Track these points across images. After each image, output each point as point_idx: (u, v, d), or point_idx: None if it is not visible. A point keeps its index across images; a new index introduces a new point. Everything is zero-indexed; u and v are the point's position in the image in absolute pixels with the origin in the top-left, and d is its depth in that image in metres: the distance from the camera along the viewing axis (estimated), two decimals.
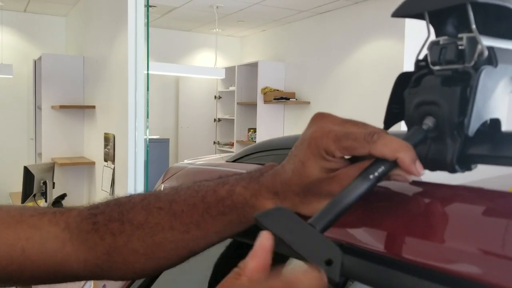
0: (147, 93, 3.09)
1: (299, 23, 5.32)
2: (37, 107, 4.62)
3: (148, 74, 3.06)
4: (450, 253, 0.35)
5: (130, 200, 0.55)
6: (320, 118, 0.43)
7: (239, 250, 0.82)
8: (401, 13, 0.43)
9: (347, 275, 0.34)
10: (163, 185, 0.91)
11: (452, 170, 0.39)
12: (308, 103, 5.17)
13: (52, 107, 4.18)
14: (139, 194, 0.56)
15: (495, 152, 0.38)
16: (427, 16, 0.40)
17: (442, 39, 0.40)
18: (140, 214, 0.52)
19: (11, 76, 4.13)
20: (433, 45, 0.41)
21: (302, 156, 0.42)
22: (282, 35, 5.64)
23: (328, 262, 0.32)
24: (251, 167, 0.74)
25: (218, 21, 4.96)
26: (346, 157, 0.42)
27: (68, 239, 0.54)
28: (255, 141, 5.43)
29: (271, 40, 5.88)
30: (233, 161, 0.81)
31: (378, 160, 0.38)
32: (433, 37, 0.42)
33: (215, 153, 6.23)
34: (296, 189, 0.43)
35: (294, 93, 5.35)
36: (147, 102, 3.09)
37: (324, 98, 4.99)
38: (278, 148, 0.73)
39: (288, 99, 5.26)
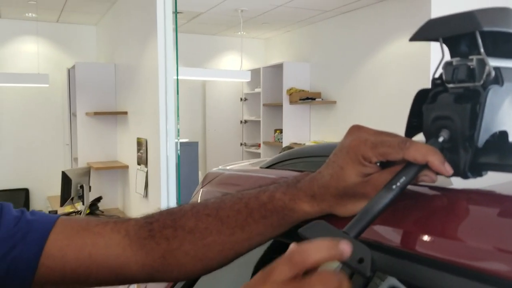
0: (177, 98, 3.19)
1: (323, 23, 5.34)
2: (72, 114, 4.81)
3: (178, 79, 3.16)
4: (464, 249, 0.40)
5: (181, 209, 0.63)
6: (356, 129, 0.50)
7: (278, 252, 0.88)
8: (418, 37, 0.49)
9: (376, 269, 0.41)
10: (202, 190, 0.98)
11: (465, 177, 0.44)
12: (334, 102, 5.19)
13: (87, 113, 4.35)
14: (188, 204, 0.65)
15: (503, 160, 0.43)
16: (441, 41, 0.46)
17: (455, 60, 0.46)
18: (190, 221, 0.60)
19: (48, 85, 4.31)
20: (447, 65, 0.47)
21: (341, 162, 0.49)
22: (307, 35, 5.67)
23: (360, 261, 0.38)
24: (284, 173, 0.81)
25: (243, 24, 5.04)
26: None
27: (128, 244, 0.62)
28: (281, 142, 5.48)
29: (296, 41, 5.92)
30: (267, 167, 0.88)
31: (409, 164, 0.44)
32: (447, 57, 0.48)
33: (242, 155, 6.31)
34: (334, 191, 0.50)
35: (319, 93, 5.37)
36: (177, 106, 3.19)
37: (350, 97, 5.00)
38: (309, 156, 0.79)
39: (314, 99, 5.29)
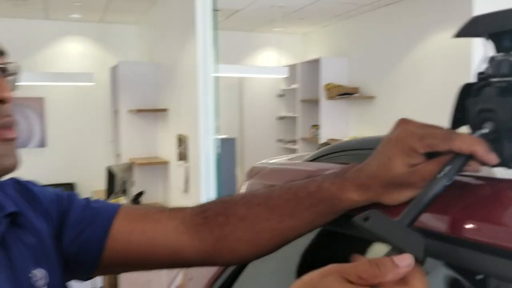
0: (217, 95, 3.25)
1: (362, 17, 5.28)
2: (115, 111, 4.98)
3: (217, 76, 3.23)
4: (508, 233, 0.43)
5: (232, 199, 0.68)
6: (404, 122, 0.52)
7: (323, 240, 0.91)
8: (463, 34, 0.51)
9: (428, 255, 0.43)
10: (248, 182, 1.02)
11: (509, 166, 0.46)
12: (373, 97, 5.13)
13: (129, 111, 4.50)
14: (239, 194, 0.70)
15: None
16: (486, 37, 0.48)
17: (499, 55, 0.48)
18: (241, 209, 0.64)
19: (93, 84, 4.49)
20: (491, 60, 0.48)
21: (388, 153, 0.51)
22: (345, 30, 5.63)
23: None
24: (327, 165, 0.84)
25: (280, 20, 5.06)
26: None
27: (184, 231, 0.67)
28: (318, 138, 5.47)
29: (333, 36, 5.88)
30: (311, 161, 0.91)
31: (455, 155, 0.46)
32: (490, 52, 0.49)
33: (279, 151, 6.34)
34: (381, 181, 0.52)
35: (357, 88, 5.32)
36: (217, 103, 3.26)
37: (389, 92, 4.93)
38: (352, 149, 0.82)
39: (352, 94, 5.25)
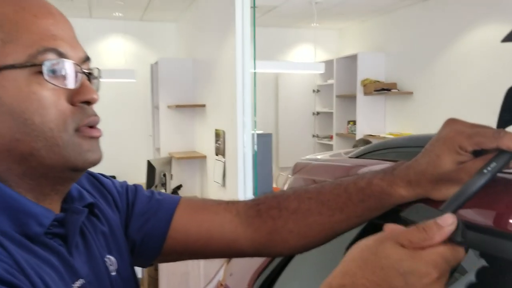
0: (255, 91, 3.30)
1: (401, 11, 5.19)
2: (154, 107, 5.12)
3: (255, 72, 3.27)
4: None
5: (284, 193, 0.72)
6: (452, 122, 0.56)
7: (368, 234, 0.94)
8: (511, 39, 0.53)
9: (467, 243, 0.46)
10: (293, 177, 1.07)
11: None
12: (411, 93, 5.05)
13: (168, 106, 4.63)
14: (290, 189, 0.74)
15: None
16: None
17: None
18: (293, 203, 0.69)
19: (135, 80, 4.63)
20: None
21: (438, 151, 0.55)
22: (383, 24, 5.55)
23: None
24: (373, 162, 0.87)
25: (317, 16, 5.05)
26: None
27: (239, 222, 0.72)
28: (355, 134, 5.44)
29: (371, 31, 5.81)
30: (356, 158, 0.94)
31: (501, 152, 0.49)
32: None
33: (314, 146, 6.34)
34: (430, 177, 0.56)
35: (395, 84, 5.25)
36: (255, 99, 3.31)
37: (428, 88, 4.83)
38: (398, 147, 0.84)
39: (390, 90, 5.18)
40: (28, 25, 0.53)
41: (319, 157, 1.11)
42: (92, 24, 5.55)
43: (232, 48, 3.37)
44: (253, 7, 3.31)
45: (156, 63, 4.77)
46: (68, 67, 0.55)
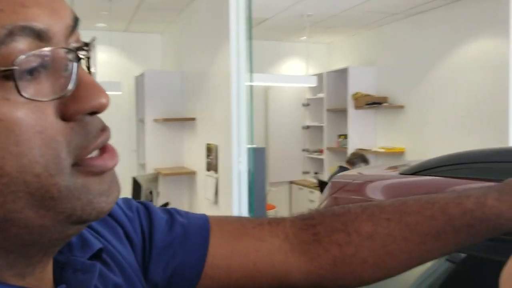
0: (251, 104, 3.17)
1: (391, 25, 5.17)
2: (139, 120, 4.93)
3: (251, 85, 3.15)
4: None
5: (349, 211, 0.55)
6: None
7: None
8: None
9: None
10: (331, 196, 0.92)
11: None
12: (402, 107, 4.99)
13: (155, 120, 4.44)
14: (355, 205, 0.57)
15: None
16: None
17: None
18: (366, 225, 0.53)
19: (120, 93, 4.44)
20: None
21: None
22: (373, 39, 5.51)
23: None
24: (441, 180, 0.72)
25: (307, 29, 4.97)
26: None
27: (290, 250, 0.55)
28: (346, 148, 5.34)
29: (361, 45, 5.78)
30: (413, 174, 0.80)
31: None
32: None
33: (304, 160, 6.21)
34: None
35: (386, 98, 5.20)
36: (252, 112, 3.17)
37: (419, 102, 4.79)
38: (475, 162, 0.71)
39: (381, 103, 5.12)
40: None
41: (359, 173, 0.97)
42: None
43: (226, 60, 3.24)
44: (249, 18, 3.20)
45: (142, 75, 4.60)
46: (56, 58, 0.33)
